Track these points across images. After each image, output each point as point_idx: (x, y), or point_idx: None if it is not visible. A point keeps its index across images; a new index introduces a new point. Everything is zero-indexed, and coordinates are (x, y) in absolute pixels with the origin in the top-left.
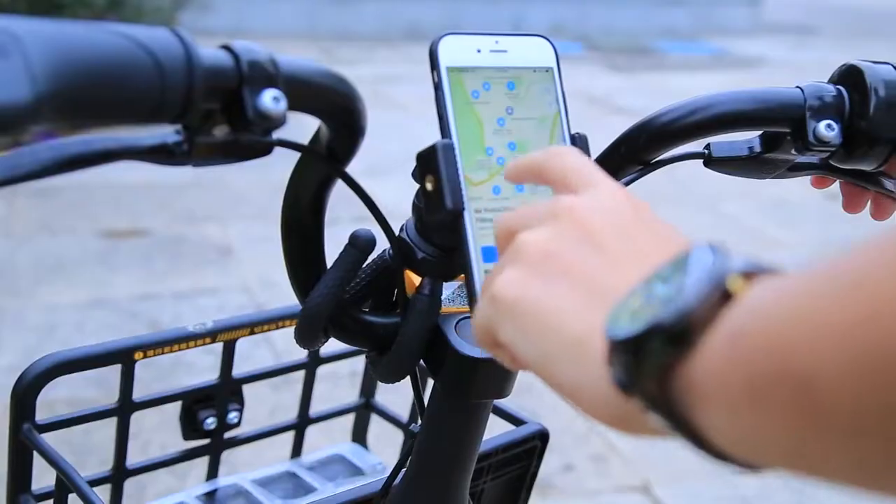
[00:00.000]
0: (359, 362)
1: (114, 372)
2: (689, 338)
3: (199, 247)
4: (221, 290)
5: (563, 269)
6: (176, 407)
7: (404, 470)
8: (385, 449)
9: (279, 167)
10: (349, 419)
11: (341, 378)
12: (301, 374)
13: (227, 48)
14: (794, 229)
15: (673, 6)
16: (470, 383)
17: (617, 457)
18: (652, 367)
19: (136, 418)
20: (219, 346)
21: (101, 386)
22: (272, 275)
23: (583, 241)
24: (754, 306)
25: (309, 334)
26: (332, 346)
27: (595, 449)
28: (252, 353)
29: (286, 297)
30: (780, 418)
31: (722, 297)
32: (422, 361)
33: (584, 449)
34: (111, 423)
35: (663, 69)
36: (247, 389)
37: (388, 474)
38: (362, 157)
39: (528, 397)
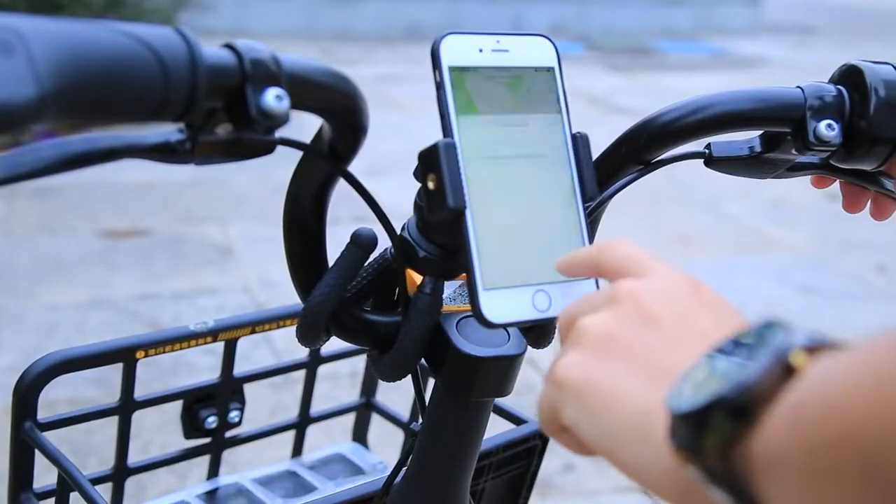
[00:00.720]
0: (359, 362)
1: (114, 372)
2: (751, 412)
3: (199, 247)
4: (221, 290)
5: (624, 349)
6: (176, 407)
7: (405, 469)
8: (385, 449)
9: (280, 167)
10: (350, 419)
11: (341, 378)
12: (301, 374)
13: (229, 47)
14: (794, 229)
15: (673, 6)
16: (471, 382)
17: None
18: (714, 441)
19: (137, 418)
20: (219, 347)
21: (101, 385)
22: (272, 275)
23: (643, 322)
24: (817, 380)
25: (311, 333)
26: (333, 345)
27: None
28: (252, 354)
29: (286, 297)
30: (844, 489)
31: (785, 371)
32: (423, 360)
33: None
34: (111, 424)
35: (663, 69)
36: (247, 389)
37: (388, 473)
38: (362, 156)
39: (528, 397)
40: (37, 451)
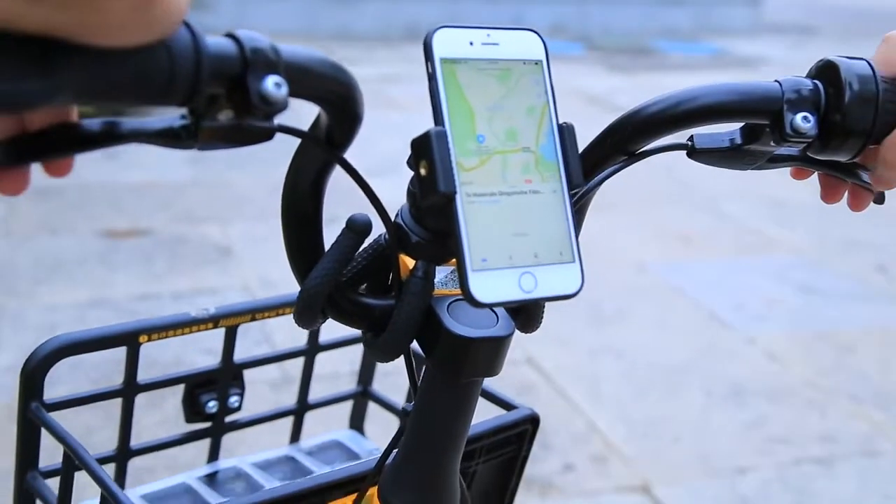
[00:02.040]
0: (359, 360)
1: (113, 374)
2: None
3: (199, 247)
4: (221, 289)
5: None
6: (175, 407)
7: (397, 449)
8: (382, 437)
9: (280, 166)
10: (347, 409)
11: (342, 377)
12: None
13: (231, 36)
14: (794, 229)
15: (673, 6)
16: (462, 362)
17: (617, 457)
18: None
19: (136, 417)
20: (217, 346)
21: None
22: (272, 274)
23: None
24: None
25: (307, 314)
26: (331, 335)
27: (595, 449)
28: (251, 350)
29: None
30: None
31: None
32: (416, 343)
33: (584, 449)
34: (111, 423)
35: (663, 69)
36: (246, 389)
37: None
38: (361, 156)
39: (528, 397)
40: (44, 439)
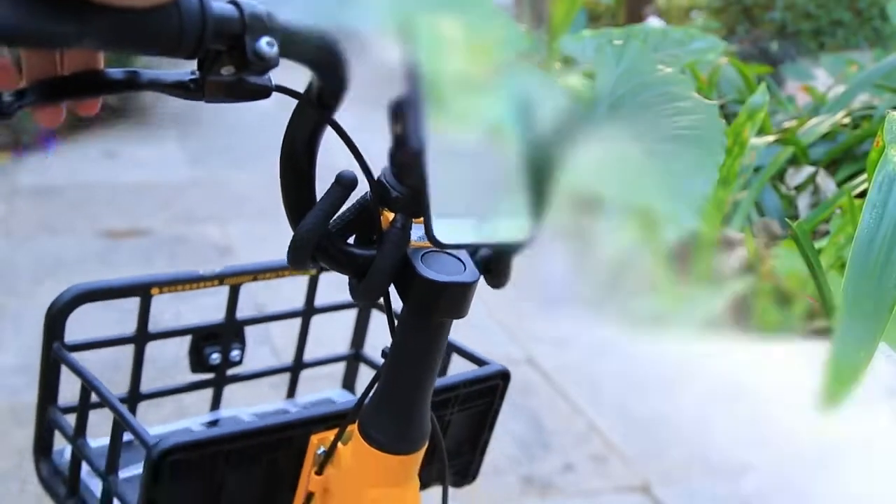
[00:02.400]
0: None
1: (117, 372)
2: None
3: (198, 246)
4: (221, 289)
5: None
6: (173, 405)
7: (376, 389)
8: None
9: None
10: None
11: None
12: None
13: (233, 3)
14: None
15: None
16: (432, 304)
17: (617, 457)
18: None
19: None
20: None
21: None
22: None
23: None
24: None
25: (299, 255)
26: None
27: (595, 449)
28: (255, 351)
29: (285, 296)
30: None
31: None
32: (394, 288)
33: (584, 449)
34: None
35: None
36: (248, 387)
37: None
38: (365, 155)
39: (528, 397)
40: (64, 388)
